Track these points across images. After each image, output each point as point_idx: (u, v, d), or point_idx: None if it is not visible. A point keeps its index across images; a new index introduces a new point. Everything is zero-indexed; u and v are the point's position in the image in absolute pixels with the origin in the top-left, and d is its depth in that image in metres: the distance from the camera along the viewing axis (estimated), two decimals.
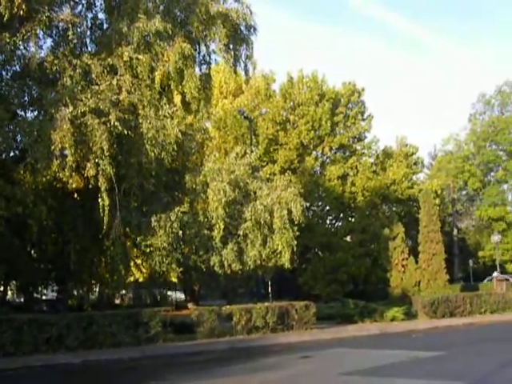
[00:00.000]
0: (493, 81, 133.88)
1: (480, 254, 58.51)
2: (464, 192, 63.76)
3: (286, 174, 25.57)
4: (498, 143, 59.40)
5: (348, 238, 42.90)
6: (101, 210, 18.22)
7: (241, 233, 21.46)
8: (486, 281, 46.44)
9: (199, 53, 22.75)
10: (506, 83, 61.37)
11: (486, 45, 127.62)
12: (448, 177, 58.37)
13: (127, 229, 20.70)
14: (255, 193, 22.29)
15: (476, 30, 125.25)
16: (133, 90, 19.00)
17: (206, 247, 21.40)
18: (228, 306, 23.01)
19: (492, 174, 61.03)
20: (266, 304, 23.14)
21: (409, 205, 45.57)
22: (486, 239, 54.17)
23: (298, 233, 23.30)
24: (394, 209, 45.72)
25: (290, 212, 21.94)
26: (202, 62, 23.07)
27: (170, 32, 20.08)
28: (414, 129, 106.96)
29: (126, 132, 18.10)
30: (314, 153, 42.19)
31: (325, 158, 43.54)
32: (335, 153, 43.27)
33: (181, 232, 20.17)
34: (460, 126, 63.86)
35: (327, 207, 43.01)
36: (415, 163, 49.47)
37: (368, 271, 40.03)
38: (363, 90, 44.12)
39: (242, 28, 22.48)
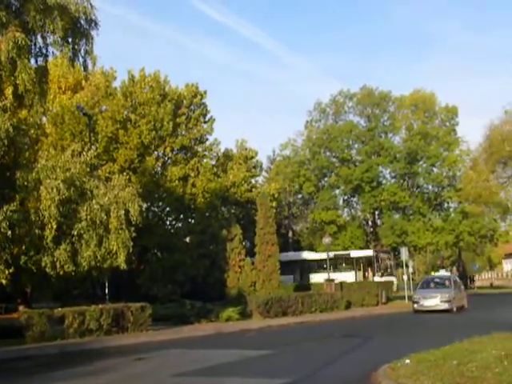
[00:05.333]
0: (328, 90, 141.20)
1: None
2: (299, 196, 66.28)
3: (126, 173, 25.12)
4: (331, 150, 62.35)
5: (187, 239, 43.03)
6: None
7: (75, 233, 20.77)
8: None
9: (35, 44, 21.65)
10: (339, 93, 64.65)
11: (323, 55, 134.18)
12: (285, 181, 60.32)
13: None
14: (92, 192, 21.66)
15: (315, 43, 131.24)
16: None
17: (37, 247, 20.49)
18: (60, 309, 22.15)
19: (325, 179, 63.93)
20: (101, 306, 22.58)
21: (247, 207, 46.62)
22: (319, 241, 56.63)
23: (135, 233, 22.99)
24: (232, 211, 46.53)
25: (127, 212, 21.60)
26: (39, 53, 21.96)
27: (4, 20, 18.99)
28: (257, 133, 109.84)
29: None
30: (156, 153, 41.81)
31: (166, 158, 43.33)
32: (177, 154, 43.19)
33: (10, 231, 19.11)
34: (297, 132, 66.06)
35: (167, 208, 42.84)
36: (254, 167, 50.74)
37: (206, 272, 40.36)
38: (205, 92, 44.49)
39: (82, 22, 21.73)
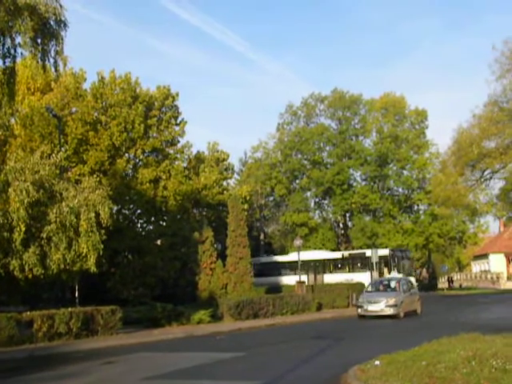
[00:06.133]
0: (300, 92, 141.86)
1: None
2: (271, 198, 66.57)
3: (96, 175, 24.96)
4: (302, 152, 62.79)
5: (158, 242, 42.83)
6: None
7: (44, 235, 20.56)
8: None
9: (4, 45, 21.38)
10: (311, 96, 65.13)
11: (295, 58, 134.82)
12: (257, 183, 60.54)
13: None
14: (61, 194, 21.47)
15: (284, 46, 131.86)
16: None
17: (6, 250, 20.21)
18: (29, 312, 21.84)
19: (297, 181, 64.37)
20: (70, 309, 22.32)
21: (219, 209, 46.55)
22: (290, 243, 56.91)
23: (105, 236, 22.82)
24: (204, 213, 46.45)
25: (97, 215, 21.46)
26: (7, 54, 21.68)
27: None
28: (229, 135, 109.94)
29: None
30: (126, 155, 41.51)
31: (137, 160, 43.04)
32: (148, 156, 42.91)
33: None
34: (269, 134, 66.53)
35: (138, 210, 42.56)
36: (226, 169, 50.75)
37: (177, 274, 40.24)
38: (177, 94, 44.32)
39: (52, 22, 21.50)
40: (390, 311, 27.46)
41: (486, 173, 32.24)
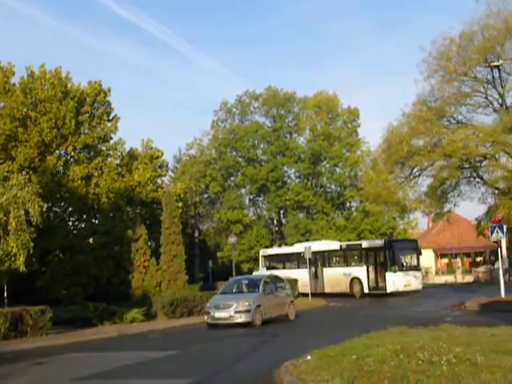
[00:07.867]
0: (235, 90, 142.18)
1: (219, 254, 61.57)
2: (206, 195, 66.53)
3: (25, 172, 24.35)
4: (237, 150, 62.97)
5: (91, 240, 42.18)
6: None
7: None
8: None
9: None
10: (245, 93, 65.35)
11: (230, 55, 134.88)
12: (191, 180, 60.39)
13: None
14: None
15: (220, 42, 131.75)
16: None
17: None
18: None
19: (232, 178, 64.53)
20: None
21: (153, 207, 46.25)
22: (225, 240, 56.97)
23: (36, 235, 22.34)
24: (138, 211, 46.00)
25: (27, 212, 20.96)
26: None
27: None
28: (163, 132, 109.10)
29: None
30: (57, 152, 40.64)
31: (68, 157, 42.22)
32: (79, 153, 42.14)
33: None
34: (204, 131, 66.35)
35: (70, 208, 41.76)
36: (160, 166, 50.45)
37: (111, 273, 39.76)
38: (109, 90, 43.69)
39: None
40: (241, 318, 22.18)
41: (414, 170, 32.92)
